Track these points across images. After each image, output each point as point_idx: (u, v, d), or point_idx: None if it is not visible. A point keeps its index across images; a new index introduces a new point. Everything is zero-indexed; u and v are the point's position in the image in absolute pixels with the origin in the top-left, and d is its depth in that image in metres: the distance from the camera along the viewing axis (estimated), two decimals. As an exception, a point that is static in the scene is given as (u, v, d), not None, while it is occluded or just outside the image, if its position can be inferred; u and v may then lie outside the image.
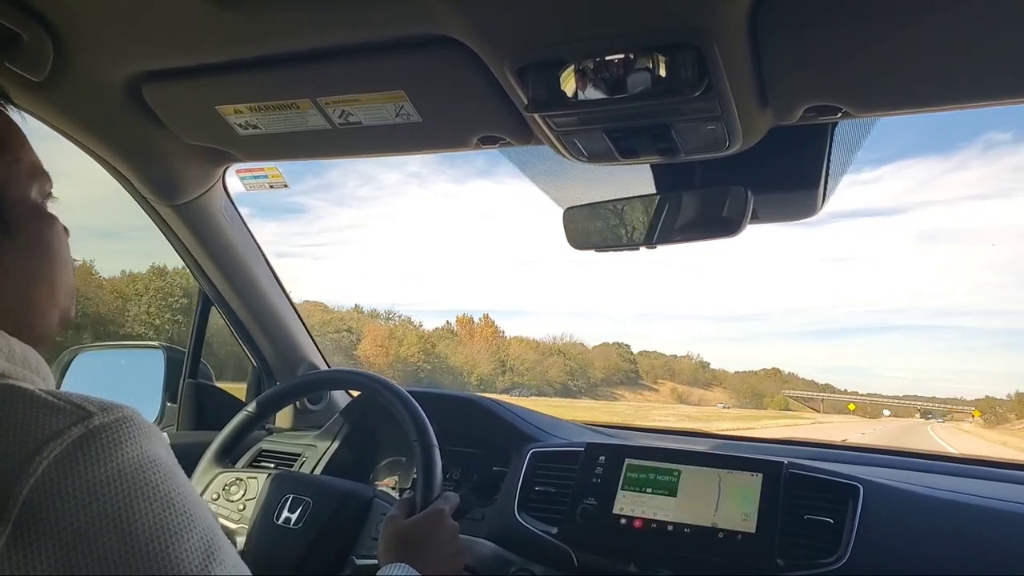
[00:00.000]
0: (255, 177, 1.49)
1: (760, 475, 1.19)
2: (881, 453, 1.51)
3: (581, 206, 1.25)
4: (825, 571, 1.08)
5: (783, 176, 1.12)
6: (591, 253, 1.28)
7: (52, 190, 0.71)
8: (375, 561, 1.03)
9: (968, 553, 1.06)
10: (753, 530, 1.14)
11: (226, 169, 1.46)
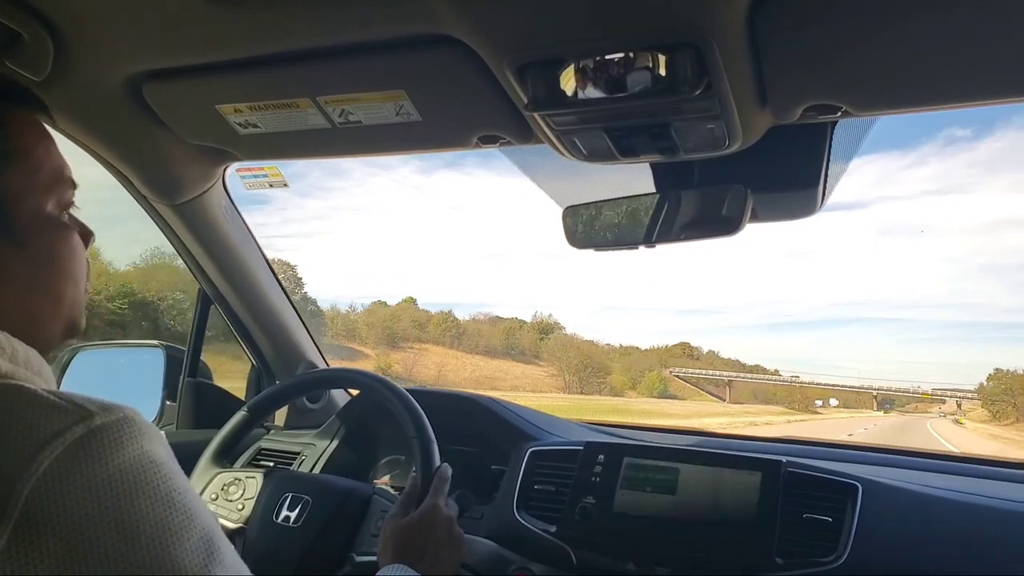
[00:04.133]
0: (255, 176, 1.49)
1: (759, 473, 1.19)
2: (880, 452, 1.51)
3: (580, 205, 1.25)
4: (824, 570, 1.08)
5: (783, 175, 1.12)
6: (560, 247, 1.28)
7: (74, 198, 0.70)
8: (375, 558, 1.03)
9: (967, 552, 1.06)
10: (752, 529, 1.14)
11: (226, 168, 1.46)
